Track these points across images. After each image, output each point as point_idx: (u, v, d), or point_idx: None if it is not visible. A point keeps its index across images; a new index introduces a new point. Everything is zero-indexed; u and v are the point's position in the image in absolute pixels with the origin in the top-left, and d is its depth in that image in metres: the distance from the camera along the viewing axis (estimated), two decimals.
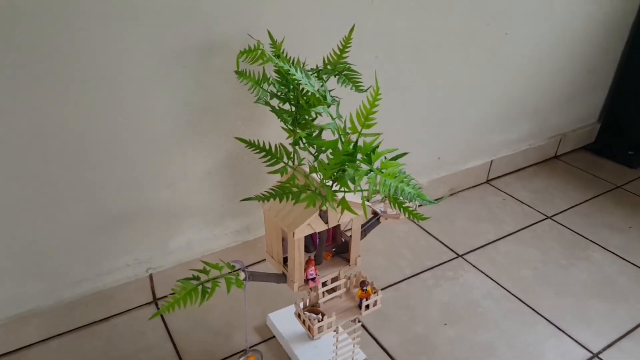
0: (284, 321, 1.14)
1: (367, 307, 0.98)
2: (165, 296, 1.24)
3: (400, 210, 0.83)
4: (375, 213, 1.03)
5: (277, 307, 1.18)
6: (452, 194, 1.70)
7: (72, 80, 0.90)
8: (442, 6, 1.30)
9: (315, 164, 0.75)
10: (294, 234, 0.87)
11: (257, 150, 0.83)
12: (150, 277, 1.19)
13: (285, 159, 0.83)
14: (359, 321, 1.00)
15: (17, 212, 0.97)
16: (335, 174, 0.80)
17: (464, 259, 1.41)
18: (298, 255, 0.91)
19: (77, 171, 1.00)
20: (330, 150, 0.73)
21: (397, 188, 0.67)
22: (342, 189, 0.76)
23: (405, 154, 0.76)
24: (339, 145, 0.71)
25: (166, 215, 1.15)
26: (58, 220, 1.02)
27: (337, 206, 0.83)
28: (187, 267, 1.22)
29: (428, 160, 1.57)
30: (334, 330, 0.98)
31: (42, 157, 0.94)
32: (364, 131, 0.75)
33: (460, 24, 1.37)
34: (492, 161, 1.73)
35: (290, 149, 0.87)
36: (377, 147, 0.71)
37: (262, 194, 0.80)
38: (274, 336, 1.14)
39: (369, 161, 0.72)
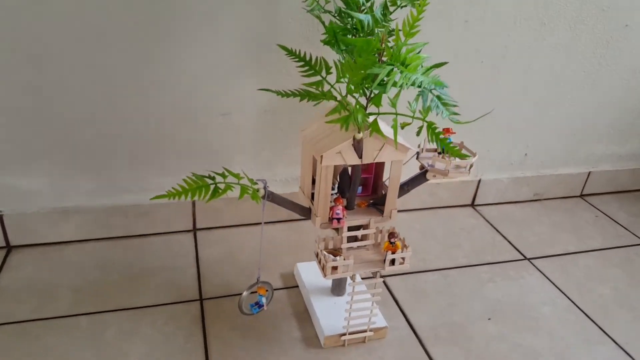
0: (311, 273, 1.07)
1: (393, 262, 0.88)
2: (205, 228, 1.23)
3: (435, 143, 0.73)
4: (422, 167, 0.93)
5: (310, 259, 1.11)
6: (536, 200, 1.52)
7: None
8: None
9: (340, 59, 0.68)
10: (321, 159, 0.80)
11: (297, 59, 0.78)
12: (193, 203, 1.19)
13: (323, 73, 0.77)
14: (381, 276, 0.90)
15: (83, 109, 1.02)
16: (368, 89, 0.73)
17: (531, 262, 1.24)
18: (325, 186, 0.84)
19: (140, 81, 1.02)
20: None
21: (416, 83, 0.58)
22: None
23: (444, 63, 0.66)
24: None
25: (217, 145, 1.14)
26: (116, 127, 1.06)
27: (367, 128, 0.75)
28: (229, 202, 1.21)
29: (513, 153, 1.41)
30: (351, 278, 0.89)
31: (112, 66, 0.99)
32: (410, 41, 0.67)
33: (571, 2, 1.22)
34: (589, 173, 1.52)
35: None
36: (412, 51, 0.63)
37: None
38: (298, 286, 1.07)
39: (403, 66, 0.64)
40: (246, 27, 1.03)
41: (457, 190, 1.41)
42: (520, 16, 1.20)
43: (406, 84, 0.59)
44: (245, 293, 0.90)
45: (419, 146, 0.93)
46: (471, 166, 0.91)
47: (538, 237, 1.34)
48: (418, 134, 0.75)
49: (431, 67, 0.63)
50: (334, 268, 0.86)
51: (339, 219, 0.87)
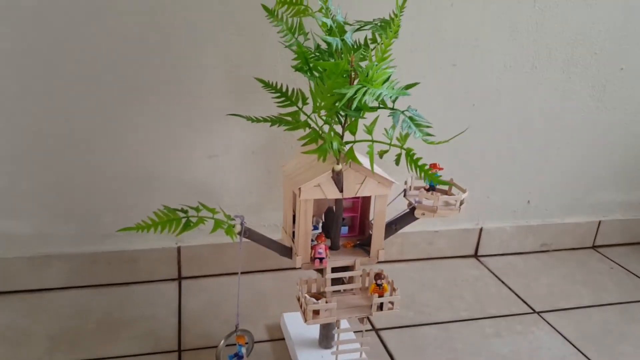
0: (297, 324, 1.00)
1: (381, 307, 0.81)
2: (190, 277, 1.17)
3: (414, 171, 0.69)
4: (410, 205, 0.88)
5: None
6: (544, 251, 1.44)
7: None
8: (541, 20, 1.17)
9: (312, 86, 0.66)
10: (300, 192, 0.77)
11: (272, 90, 0.77)
12: (179, 249, 1.14)
13: (300, 104, 0.75)
14: (371, 325, 0.83)
15: (61, 152, 1.02)
16: (342, 115, 0.70)
17: (540, 316, 1.15)
18: (304, 222, 0.80)
19: (127, 124, 1.02)
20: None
21: (381, 95, 0.55)
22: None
23: (415, 84, 0.64)
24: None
25: (203, 186, 1.11)
26: (96, 168, 1.04)
27: (342, 155, 0.72)
28: (216, 250, 1.16)
29: (515, 200, 1.36)
30: (335, 325, 0.82)
31: (92, 108, 0.99)
32: (382, 65, 0.65)
33: (562, 45, 1.21)
34: (600, 223, 1.45)
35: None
36: (386, 78, 0.60)
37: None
38: (284, 338, 1.00)
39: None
40: (231, 70, 1.03)
41: (458, 239, 1.35)
42: (509, 59, 1.19)
43: (371, 98, 0.56)
44: (222, 342, 0.84)
45: (405, 183, 0.89)
46: (461, 203, 0.86)
47: (548, 289, 1.26)
48: (397, 162, 0.71)
49: (403, 88, 0.60)
50: (316, 312, 0.79)
51: (321, 259, 0.82)
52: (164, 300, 1.10)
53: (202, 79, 1.03)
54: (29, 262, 1.07)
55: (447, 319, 1.11)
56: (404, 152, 0.69)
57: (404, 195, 0.90)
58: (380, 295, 0.81)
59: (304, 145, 0.74)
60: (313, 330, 0.96)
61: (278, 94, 0.76)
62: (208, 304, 1.09)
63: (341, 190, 0.78)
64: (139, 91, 1.01)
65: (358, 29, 0.77)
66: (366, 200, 0.90)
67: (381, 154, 0.71)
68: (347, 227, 0.92)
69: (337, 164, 0.75)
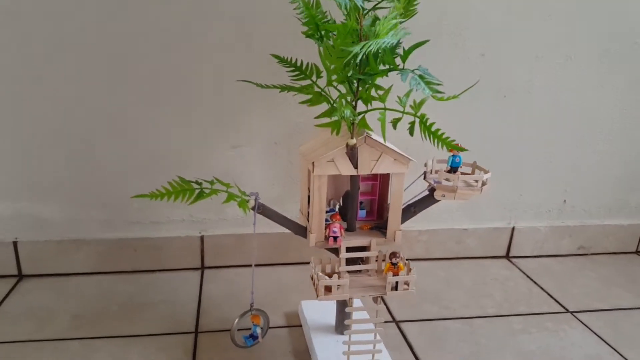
0: (315, 311, 0.99)
1: (396, 287, 0.79)
2: (213, 267, 1.18)
3: (428, 138, 0.68)
4: (430, 188, 0.86)
5: None
6: (582, 254, 1.37)
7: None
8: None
9: (321, 50, 0.66)
10: (313, 167, 0.76)
11: (286, 65, 0.77)
12: (202, 238, 1.16)
13: (314, 78, 0.75)
14: (382, 302, 0.80)
15: (93, 139, 1.06)
16: (353, 81, 0.70)
17: (574, 315, 1.08)
18: (318, 199, 0.79)
19: (148, 107, 1.05)
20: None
21: (386, 45, 0.55)
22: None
23: (425, 42, 0.63)
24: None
25: (226, 177, 1.12)
26: (126, 156, 1.07)
27: (355, 128, 0.71)
28: (239, 240, 1.17)
29: (550, 199, 1.30)
30: (348, 303, 0.80)
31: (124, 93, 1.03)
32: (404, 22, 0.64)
33: (599, 33, 1.17)
34: None
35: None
36: (392, 27, 0.60)
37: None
38: (301, 325, 0.99)
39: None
40: (254, 58, 1.05)
41: (488, 238, 1.30)
42: (541, 50, 1.16)
43: (376, 47, 0.55)
44: (236, 321, 0.84)
45: (425, 165, 0.87)
46: (484, 184, 0.83)
47: (583, 290, 1.19)
48: (411, 131, 0.70)
49: (411, 48, 0.60)
50: (328, 289, 0.78)
51: (335, 238, 0.81)
52: (185, 287, 1.11)
53: (223, 66, 1.05)
54: (58, 246, 1.11)
55: (473, 315, 1.06)
56: (417, 119, 0.68)
57: (424, 178, 0.88)
58: (395, 275, 0.78)
59: (317, 117, 0.73)
60: (329, 317, 0.94)
61: (292, 68, 0.77)
62: (228, 293, 1.09)
63: (356, 167, 0.77)
64: (165, 83, 1.04)
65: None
66: (385, 183, 0.88)
67: (394, 122, 0.70)
68: (364, 211, 0.90)
69: (351, 137, 0.74)
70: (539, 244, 1.33)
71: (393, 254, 0.79)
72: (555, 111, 1.22)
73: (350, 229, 0.86)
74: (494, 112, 1.19)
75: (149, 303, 1.04)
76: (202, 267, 1.18)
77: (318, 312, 0.98)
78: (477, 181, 0.83)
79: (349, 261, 0.83)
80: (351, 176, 0.80)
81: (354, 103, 0.72)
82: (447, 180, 0.83)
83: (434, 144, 0.69)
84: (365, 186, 0.90)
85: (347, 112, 0.66)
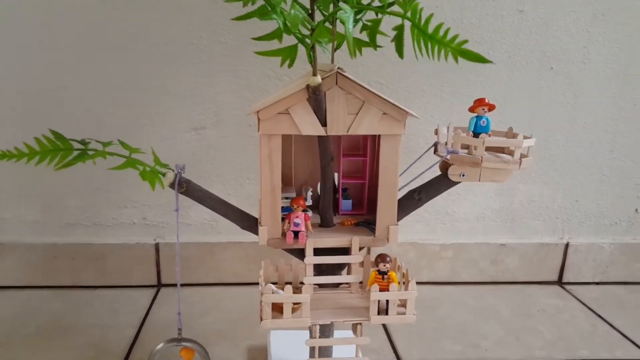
0: (285, 344, 0.71)
1: (386, 308, 0.51)
2: (171, 285, 0.93)
3: (417, 42, 0.41)
4: (443, 166, 0.59)
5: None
6: None
7: None
8: None
9: None
10: (258, 122, 0.51)
11: None
12: (157, 247, 0.91)
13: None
14: (385, 333, 0.53)
15: (19, 123, 0.84)
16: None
17: None
18: (269, 172, 0.53)
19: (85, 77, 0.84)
20: None
21: None
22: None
23: None
24: None
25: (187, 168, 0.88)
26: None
27: (314, 47, 0.46)
28: (206, 251, 0.91)
29: (616, 208, 1.00)
30: (312, 333, 0.53)
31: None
32: None
33: None
34: None
35: None
36: None
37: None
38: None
39: None
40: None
41: (534, 257, 1.00)
42: (602, 4, 0.88)
43: None
44: (156, 347, 0.58)
45: (436, 132, 0.61)
46: (523, 156, 0.55)
47: None
48: (398, 44, 0.44)
49: None
50: (277, 308, 0.51)
51: (296, 233, 0.54)
52: (130, 308, 0.86)
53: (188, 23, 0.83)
54: None
55: (512, 358, 0.76)
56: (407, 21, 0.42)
57: (435, 151, 0.61)
58: (383, 290, 0.51)
59: (258, 38, 0.48)
60: (304, 352, 0.66)
61: None
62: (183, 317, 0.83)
63: (324, 123, 0.52)
64: (103, 44, 0.82)
65: None
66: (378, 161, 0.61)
67: (370, 31, 0.44)
68: (349, 202, 0.64)
69: (315, 75, 0.49)
70: (603, 266, 1.01)
71: (380, 258, 0.52)
72: (622, 88, 0.92)
73: (325, 224, 0.59)
74: (538, 88, 0.91)
75: (77, 326, 0.80)
76: (159, 285, 0.93)
77: (292, 346, 0.70)
78: (513, 150, 0.55)
79: (322, 270, 0.56)
80: (320, 140, 0.54)
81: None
82: (469, 149, 0.56)
83: (434, 56, 0.42)
84: (351, 164, 0.63)
85: (294, 13, 0.41)
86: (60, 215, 0.89)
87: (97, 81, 0.84)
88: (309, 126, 0.52)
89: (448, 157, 0.56)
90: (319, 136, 0.53)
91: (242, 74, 0.86)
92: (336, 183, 0.63)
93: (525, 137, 0.56)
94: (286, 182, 0.65)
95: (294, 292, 0.50)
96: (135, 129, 0.86)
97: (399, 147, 0.54)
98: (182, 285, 0.92)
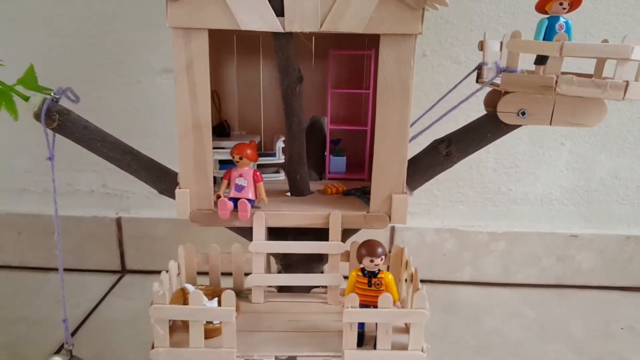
0: None
1: (374, 336, 0.29)
2: (137, 271, 0.74)
3: None
4: (488, 103, 0.36)
5: None
6: None
7: None
8: None
9: None
10: (167, 12, 0.30)
11: None
12: (119, 222, 0.72)
13: None
14: None
15: None
16: None
17: None
18: (188, 100, 0.32)
19: None
20: None
21: None
22: None
23: None
24: None
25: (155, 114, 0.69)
26: None
27: None
28: (182, 228, 0.72)
29: None
30: None
31: None
32: None
33: None
34: None
35: None
36: None
37: None
38: None
39: None
40: None
41: (617, 255, 0.74)
42: None
43: None
44: None
45: (480, 46, 0.37)
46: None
47: None
48: None
49: None
50: (184, 327, 0.30)
51: (235, 200, 0.33)
52: (79, 299, 0.68)
53: None
54: None
55: None
56: None
57: (478, 78, 0.38)
58: (369, 303, 0.28)
59: None
60: None
61: None
62: (139, 315, 0.64)
63: (280, 11, 0.30)
64: None
65: None
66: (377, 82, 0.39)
67: None
68: (343, 159, 0.41)
69: None
70: None
71: (366, 248, 0.29)
72: None
73: (295, 191, 0.37)
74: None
75: (4, 320, 0.62)
76: (122, 270, 0.75)
77: None
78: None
79: (291, 264, 0.35)
80: (276, 44, 0.32)
81: None
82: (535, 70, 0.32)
83: None
84: (345, 103, 0.41)
85: None
86: (5, 179, 0.72)
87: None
88: (253, 15, 0.30)
89: (497, 79, 0.33)
90: (274, 36, 0.31)
91: None
92: (324, 131, 0.41)
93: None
94: (252, 129, 0.44)
95: (213, 297, 0.29)
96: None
97: (411, 59, 0.31)
98: (148, 273, 0.74)
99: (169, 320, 0.30)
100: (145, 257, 0.76)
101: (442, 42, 0.67)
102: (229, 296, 0.27)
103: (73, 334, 0.61)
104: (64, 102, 0.39)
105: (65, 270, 0.73)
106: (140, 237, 0.74)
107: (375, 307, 0.28)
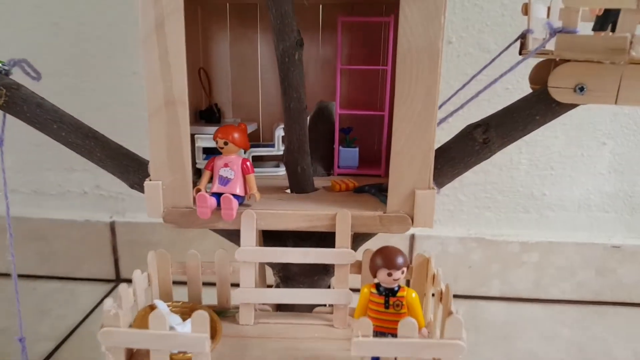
0: None
1: None
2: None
3: None
4: (535, 80, 0.29)
5: None
6: None
7: None
8: None
9: None
10: None
11: None
12: (112, 227, 0.67)
13: None
14: None
15: None
16: None
17: None
18: (159, 72, 0.26)
19: None
20: None
21: None
22: None
23: None
24: None
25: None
26: None
27: None
28: (180, 232, 0.66)
29: None
30: None
31: None
32: None
33: None
34: None
35: None
36: None
37: None
38: None
39: None
40: None
41: None
42: None
43: None
44: None
45: (524, 10, 0.30)
46: None
47: None
48: None
49: None
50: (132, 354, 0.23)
51: (219, 196, 0.26)
52: (67, 310, 0.63)
53: None
54: None
55: None
56: None
57: (520, 50, 0.31)
58: (385, 330, 0.21)
59: None
60: None
61: None
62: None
63: None
64: None
65: None
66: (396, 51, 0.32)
67: None
68: (356, 151, 0.35)
69: None
70: None
71: (383, 257, 0.23)
72: None
73: (296, 187, 0.31)
74: None
75: None
76: (117, 279, 0.69)
77: None
78: None
79: (290, 277, 0.28)
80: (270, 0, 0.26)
81: None
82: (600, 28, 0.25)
83: None
84: (359, 83, 0.35)
85: None
86: None
87: None
88: None
89: (550, 45, 0.26)
90: None
91: None
92: (333, 119, 0.35)
93: None
94: (248, 116, 0.38)
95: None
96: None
97: (441, 15, 0.25)
98: None
99: (131, 348, 0.23)
100: (141, 264, 0.71)
101: (469, 28, 0.61)
102: (200, 318, 0.20)
103: (55, 350, 0.55)
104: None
105: (54, 278, 0.68)
106: (136, 242, 0.69)
107: (394, 335, 0.21)
